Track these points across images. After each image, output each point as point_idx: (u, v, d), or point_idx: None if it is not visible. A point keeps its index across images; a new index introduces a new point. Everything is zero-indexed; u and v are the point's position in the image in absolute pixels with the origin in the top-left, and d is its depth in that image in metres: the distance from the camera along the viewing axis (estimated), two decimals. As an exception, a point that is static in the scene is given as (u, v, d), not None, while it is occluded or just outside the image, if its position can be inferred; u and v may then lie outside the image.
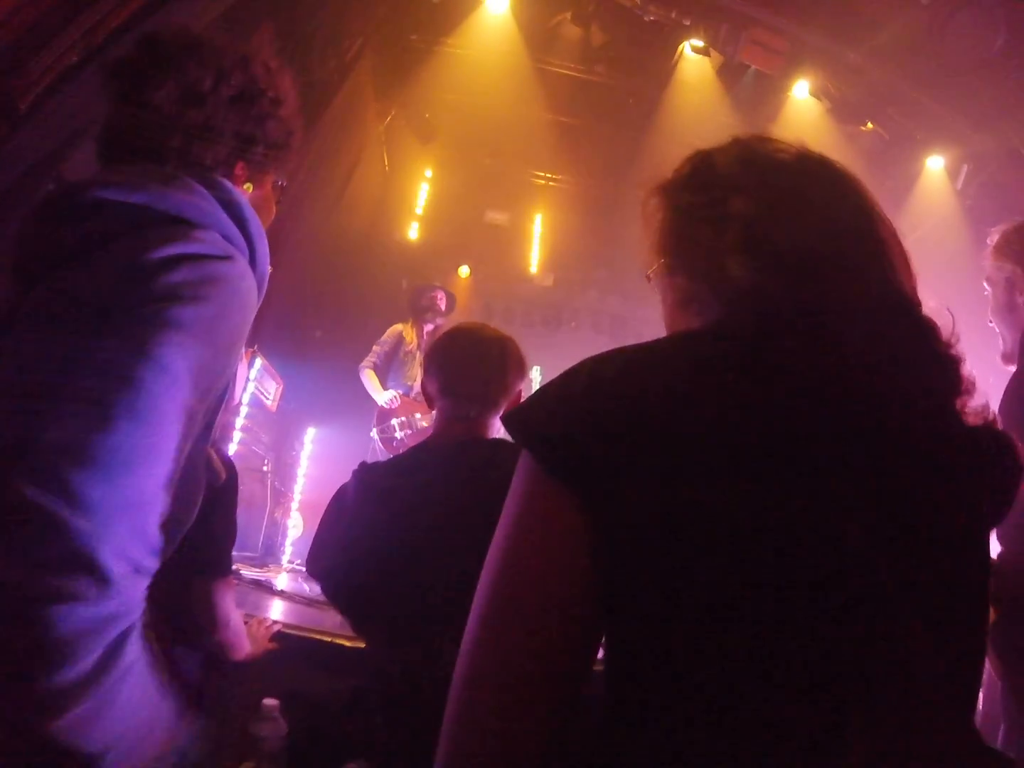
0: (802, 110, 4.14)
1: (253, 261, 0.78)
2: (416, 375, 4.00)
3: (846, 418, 0.54)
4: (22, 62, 1.94)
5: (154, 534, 0.63)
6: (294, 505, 3.93)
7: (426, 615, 1.12)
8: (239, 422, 3.21)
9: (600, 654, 0.55)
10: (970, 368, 0.60)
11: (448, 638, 1.00)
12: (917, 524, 0.53)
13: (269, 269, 0.82)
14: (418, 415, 3.91)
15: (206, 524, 1.19)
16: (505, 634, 0.51)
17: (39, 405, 0.60)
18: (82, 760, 0.58)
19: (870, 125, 4.12)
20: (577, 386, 0.54)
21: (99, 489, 0.58)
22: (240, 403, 3.17)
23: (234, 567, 2.46)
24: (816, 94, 4.09)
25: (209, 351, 0.67)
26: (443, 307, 4.26)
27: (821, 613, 0.49)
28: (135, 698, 0.62)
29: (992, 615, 0.60)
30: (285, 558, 3.61)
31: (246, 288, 0.74)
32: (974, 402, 0.60)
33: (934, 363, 0.59)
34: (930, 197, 4.10)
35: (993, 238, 1.48)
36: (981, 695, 1.24)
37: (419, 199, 5.88)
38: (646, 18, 3.86)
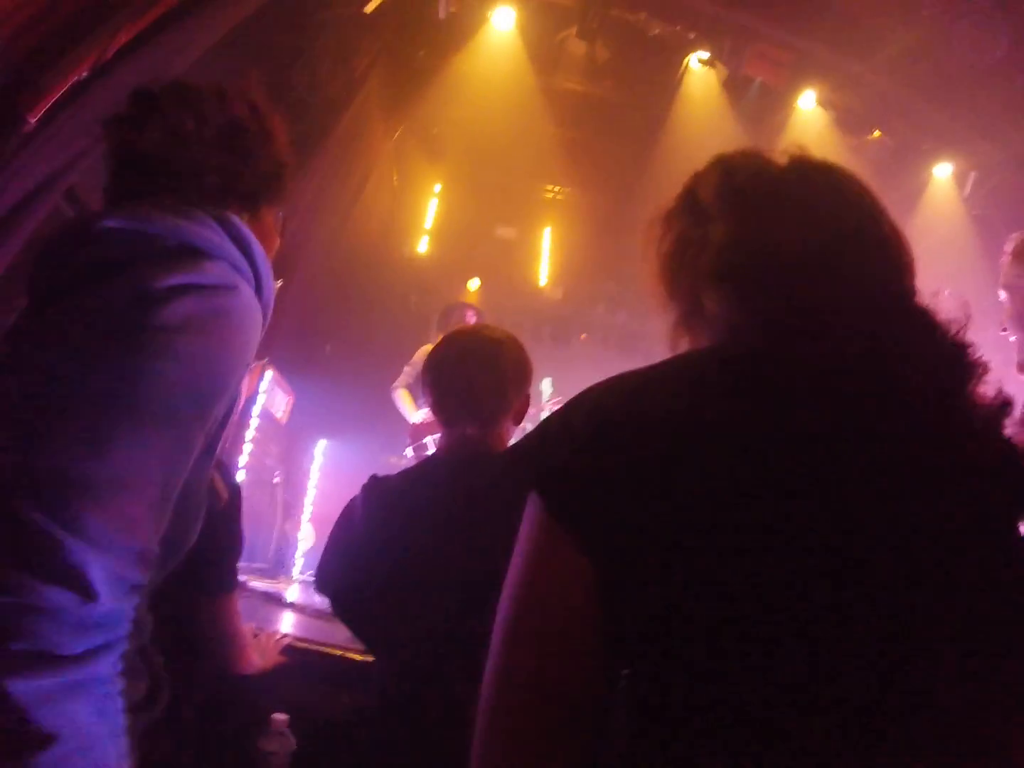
0: (808, 121, 4.14)
1: (259, 290, 0.81)
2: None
3: (848, 449, 0.52)
4: (33, 77, 1.98)
5: (147, 556, 0.65)
6: (305, 517, 3.93)
7: (432, 636, 1.11)
8: (249, 434, 3.23)
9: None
10: (981, 353, 0.58)
11: (454, 662, 1.00)
12: (940, 552, 0.52)
13: (274, 295, 0.84)
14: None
15: (211, 541, 1.22)
16: (523, 691, 0.51)
17: (40, 428, 0.63)
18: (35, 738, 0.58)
19: (877, 134, 4.12)
20: (579, 424, 0.54)
21: (93, 513, 0.61)
22: (249, 416, 3.19)
23: (244, 579, 2.48)
24: (822, 104, 4.10)
25: (208, 381, 0.70)
26: None
27: (839, 642, 0.48)
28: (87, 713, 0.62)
29: None
30: (296, 570, 3.60)
31: (251, 319, 0.77)
32: (987, 389, 0.57)
33: (938, 362, 0.57)
34: (938, 206, 4.08)
35: (1010, 245, 1.44)
36: None
37: (428, 214, 5.92)
38: (651, 32, 3.90)
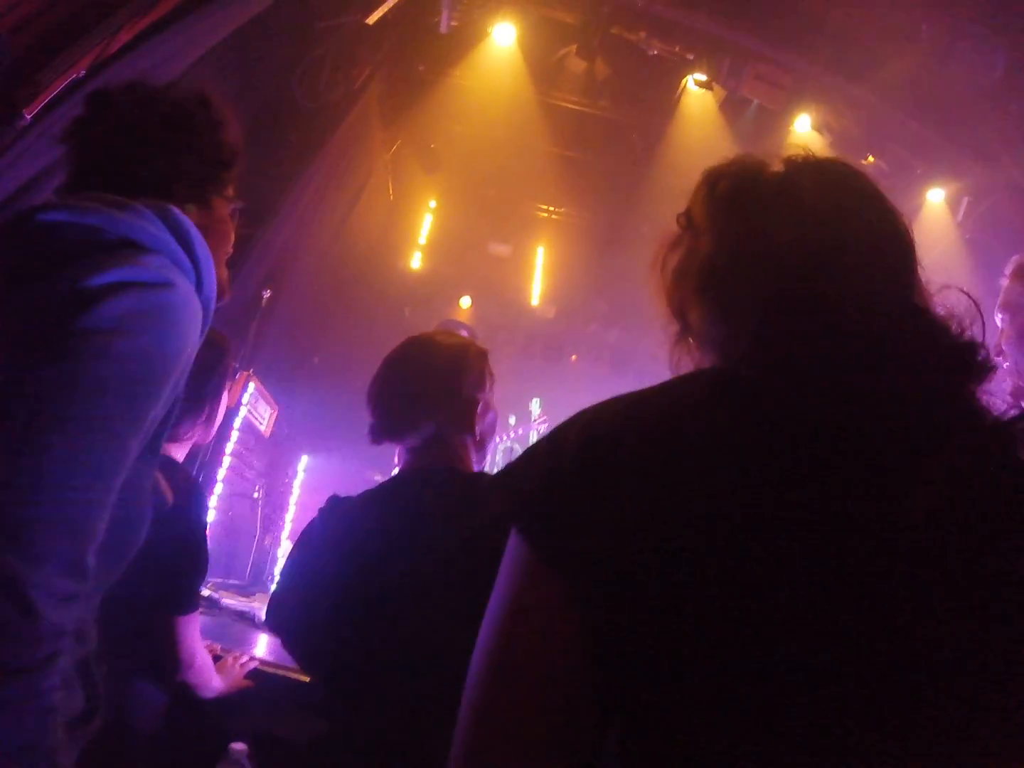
0: (804, 144, 4.17)
1: (199, 285, 0.79)
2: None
3: (842, 473, 0.50)
4: (31, 73, 1.99)
5: (85, 561, 0.64)
6: (284, 533, 3.83)
7: (394, 678, 1.01)
8: (229, 447, 3.13)
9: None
10: (987, 353, 0.55)
11: (418, 704, 0.91)
12: (943, 561, 0.49)
13: (215, 293, 0.83)
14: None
15: (172, 558, 1.15)
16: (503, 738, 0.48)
17: None
18: None
19: (871, 159, 4.14)
20: (566, 453, 0.52)
21: (26, 521, 0.60)
22: (231, 428, 3.11)
23: (217, 596, 2.38)
24: (818, 128, 4.13)
25: (143, 383, 0.69)
26: None
27: (840, 679, 0.46)
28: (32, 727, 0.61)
29: None
30: (273, 586, 3.49)
31: (188, 316, 0.75)
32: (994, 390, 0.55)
33: (939, 363, 0.54)
34: (932, 231, 4.11)
35: (1010, 267, 1.43)
36: None
37: (423, 229, 5.91)
38: (650, 52, 3.91)
